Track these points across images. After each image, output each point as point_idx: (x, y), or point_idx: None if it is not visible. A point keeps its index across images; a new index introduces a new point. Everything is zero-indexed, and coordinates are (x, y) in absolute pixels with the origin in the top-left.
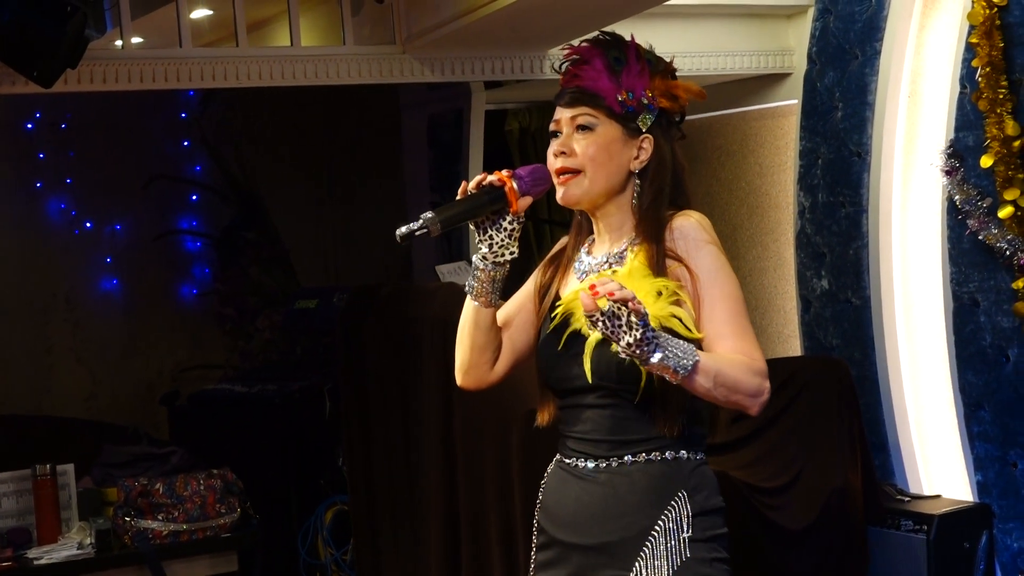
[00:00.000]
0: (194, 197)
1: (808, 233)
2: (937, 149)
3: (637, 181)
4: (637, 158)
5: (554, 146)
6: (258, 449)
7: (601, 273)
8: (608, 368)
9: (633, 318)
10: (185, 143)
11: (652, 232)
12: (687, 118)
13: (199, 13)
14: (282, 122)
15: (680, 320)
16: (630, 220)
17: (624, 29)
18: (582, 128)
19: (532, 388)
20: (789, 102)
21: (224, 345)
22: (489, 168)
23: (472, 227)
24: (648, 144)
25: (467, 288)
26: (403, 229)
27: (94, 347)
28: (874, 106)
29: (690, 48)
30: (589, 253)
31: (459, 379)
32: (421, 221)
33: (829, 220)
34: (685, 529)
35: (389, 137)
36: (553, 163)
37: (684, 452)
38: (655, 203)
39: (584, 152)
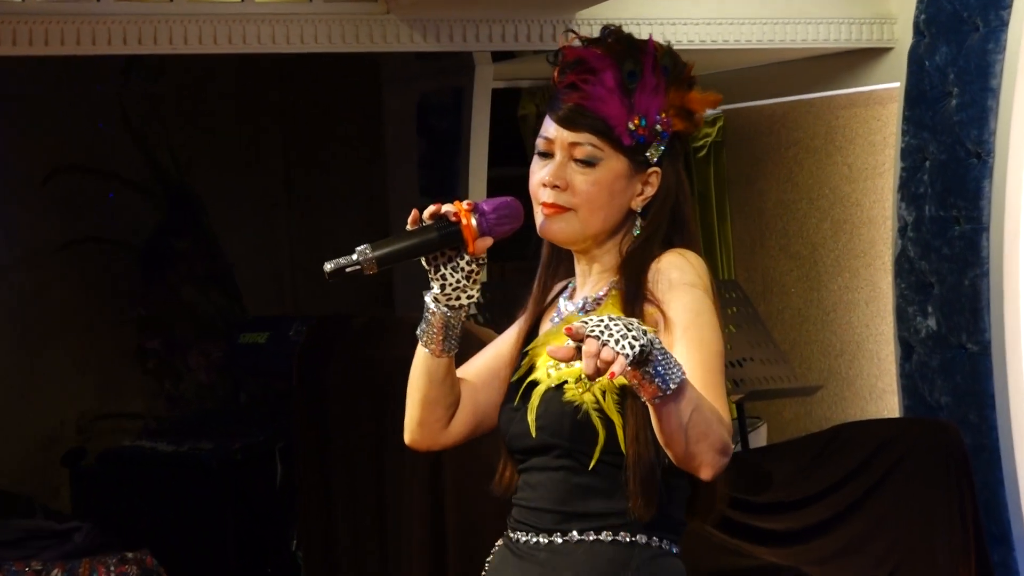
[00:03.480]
0: (111, 195)
1: (911, 257)
2: None
3: (639, 221)
4: (641, 194)
5: (543, 172)
6: (187, 526)
7: (569, 318)
8: (559, 422)
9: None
10: (100, 125)
11: (632, 272)
12: (754, 104)
13: None
14: (228, 100)
15: None
16: (616, 260)
17: None
18: (582, 162)
19: None
20: (888, 86)
21: (145, 389)
22: (499, 160)
23: (423, 263)
24: (655, 178)
25: (418, 332)
26: (332, 264)
27: None
28: (998, 92)
29: (763, 14)
30: (570, 298)
31: (407, 437)
32: (356, 256)
33: (939, 240)
34: None
35: (367, 122)
36: (539, 193)
37: (645, 537)
38: (648, 241)
39: (583, 191)
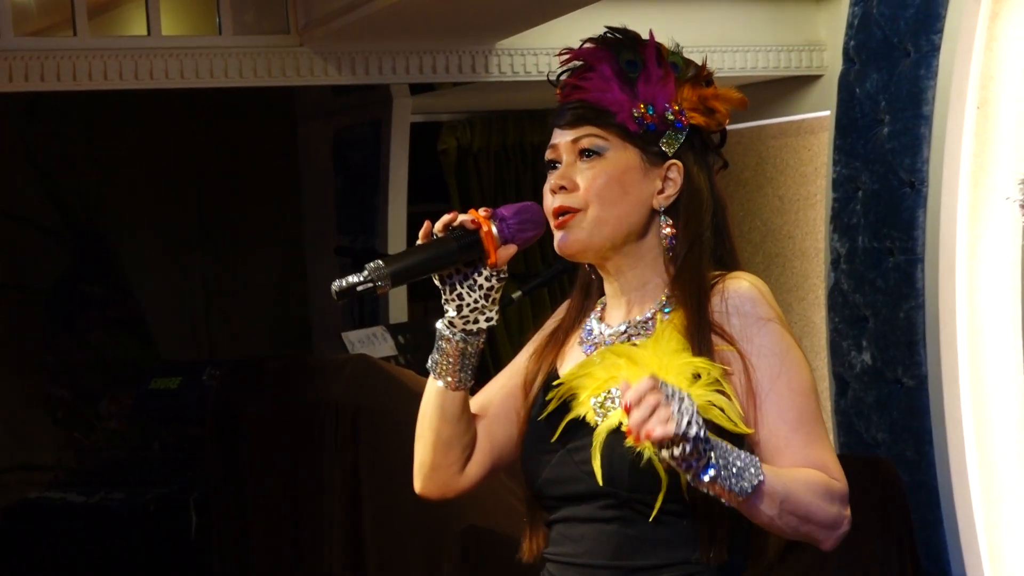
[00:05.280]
0: (15, 238)
1: (844, 290)
2: (1016, 177)
3: (668, 221)
4: (662, 192)
5: (551, 180)
6: None
7: (614, 348)
8: (619, 469)
9: (686, 404)
10: (3, 165)
11: (692, 295)
12: None
13: None
14: (137, 138)
15: (723, 411)
16: (658, 278)
17: (606, 17)
18: (587, 154)
19: (471, 497)
20: (819, 114)
21: (53, 439)
22: (420, 197)
23: (436, 282)
24: (676, 172)
25: (429, 363)
26: (340, 283)
27: None
28: (931, 120)
29: (689, 42)
30: (601, 319)
31: (417, 484)
32: (366, 273)
33: (873, 272)
34: None
35: (281, 159)
36: (550, 202)
37: None
38: (692, 253)
39: (589, 185)
